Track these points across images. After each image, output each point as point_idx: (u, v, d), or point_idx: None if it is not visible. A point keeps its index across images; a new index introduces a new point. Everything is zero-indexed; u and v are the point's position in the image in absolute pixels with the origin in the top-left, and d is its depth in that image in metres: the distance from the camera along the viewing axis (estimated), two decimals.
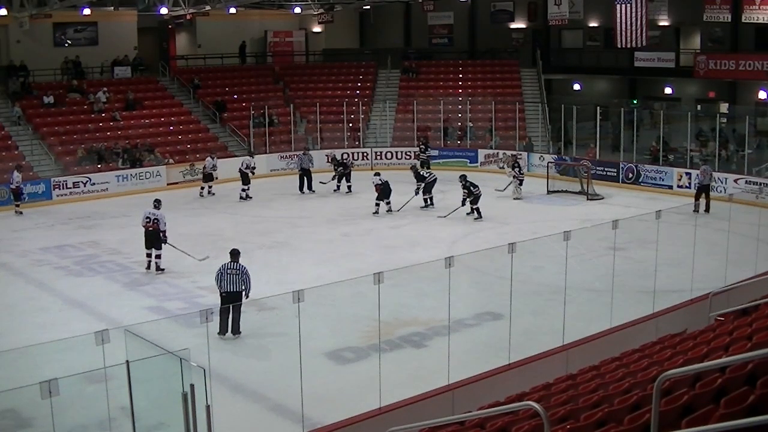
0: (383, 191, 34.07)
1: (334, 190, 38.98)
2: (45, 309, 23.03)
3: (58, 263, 27.90)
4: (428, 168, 39.49)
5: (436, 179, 34.95)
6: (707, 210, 32.13)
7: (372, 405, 14.32)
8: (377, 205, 34.00)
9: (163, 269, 26.05)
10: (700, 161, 37.40)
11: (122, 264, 27.53)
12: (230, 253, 20.11)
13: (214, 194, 38.93)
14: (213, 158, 39.86)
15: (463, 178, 32.84)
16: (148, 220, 25.94)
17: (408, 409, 14.33)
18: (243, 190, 37.86)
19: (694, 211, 30.97)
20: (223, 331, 19.16)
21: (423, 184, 34.67)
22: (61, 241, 30.66)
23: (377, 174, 34.89)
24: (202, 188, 39.17)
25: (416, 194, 34.58)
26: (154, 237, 25.90)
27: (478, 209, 32.31)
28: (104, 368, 11.70)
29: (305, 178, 39.70)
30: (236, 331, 19.42)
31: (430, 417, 12.53)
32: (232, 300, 19.36)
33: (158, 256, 26.12)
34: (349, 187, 39.02)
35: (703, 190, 33.07)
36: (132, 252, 28.76)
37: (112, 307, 22.85)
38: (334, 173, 39.71)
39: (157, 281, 25.53)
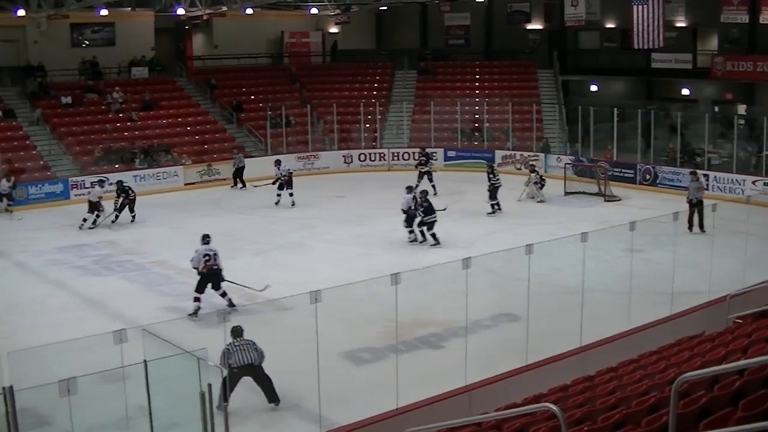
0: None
1: (277, 203, 36.90)
2: (62, 308, 23.14)
3: (75, 262, 28.00)
4: (431, 179, 37.63)
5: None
6: (701, 227, 29.78)
7: (389, 405, 14.33)
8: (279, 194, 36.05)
9: (235, 306, 22.14)
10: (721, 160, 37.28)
11: (139, 264, 27.61)
12: (233, 331, 16.39)
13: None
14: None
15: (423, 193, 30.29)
16: (207, 258, 22.18)
17: (425, 409, 14.33)
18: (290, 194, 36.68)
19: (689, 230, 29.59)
20: (224, 399, 14.16)
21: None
22: (79, 241, 30.76)
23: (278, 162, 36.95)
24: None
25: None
26: (216, 277, 22.30)
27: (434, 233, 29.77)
28: (122, 367, 11.75)
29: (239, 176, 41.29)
30: (275, 399, 16.52)
31: (447, 418, 12.53)
32: (251, 372, 16.52)
33: (224, 294, 22.23)
34: (290, 196, 36.70)
35: (696, 206, 30.26)
36: (149, 252, 28.89)
37: (130, 306, 22.94)
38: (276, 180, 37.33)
39: (173, 281, 25.58)
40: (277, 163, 37.46)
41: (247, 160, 42.33)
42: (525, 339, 16.52)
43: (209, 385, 11.15)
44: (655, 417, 9.53)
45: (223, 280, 22.40)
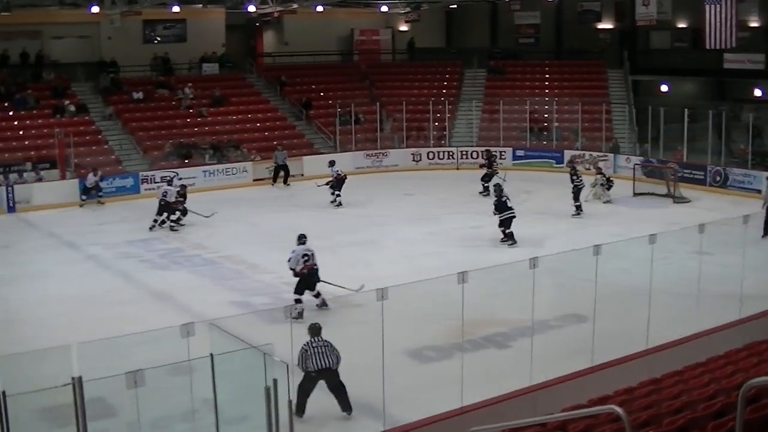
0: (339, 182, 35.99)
1: (332, 202, 36.57)
2: (131, 301, 23.43)
3: (143, 256, 28.34)
4: (488, 180, 37.47)
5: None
6: None
7: (453, 404, 14.32)
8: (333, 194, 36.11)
9: (327, 306, 21.89)
10: None
11: (207, 258, 27.85)
12: (311, 329, 15.99)
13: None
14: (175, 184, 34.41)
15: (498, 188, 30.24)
16: (306, 258, 21.81)
17: (489, 409, 14.31)
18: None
19: (763, 236, 28.25)
20: (300, 411, 15.44)
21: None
22: (148, 235, 31.12)
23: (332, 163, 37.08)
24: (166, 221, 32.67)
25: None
26: (314, 278, 21.91)
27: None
28: (188, 360, 11.85)
29: (281, 172, 41.48)
30: (348, 407, 15.87)
31: (511, 418, 12.49)
32: (327, 377, 15.76)
33: (318, 294, 21.90)
34: (337, 197, 36.51)
35: None
36: (216, 246, 29.10)
37: (197, 300, 23.14)
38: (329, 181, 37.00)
39: (241, 276, 25.78)
40: (331, 163, 37.45)
41: (314, 158, 42.59)
42: (591, 340, 16.45)
43: (275, 380, 11.22)
44: (722, 422, 9.45)
45: (319, 280, 21.88)
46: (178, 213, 32.15)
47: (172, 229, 31.77)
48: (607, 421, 10.76)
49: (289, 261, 21.87)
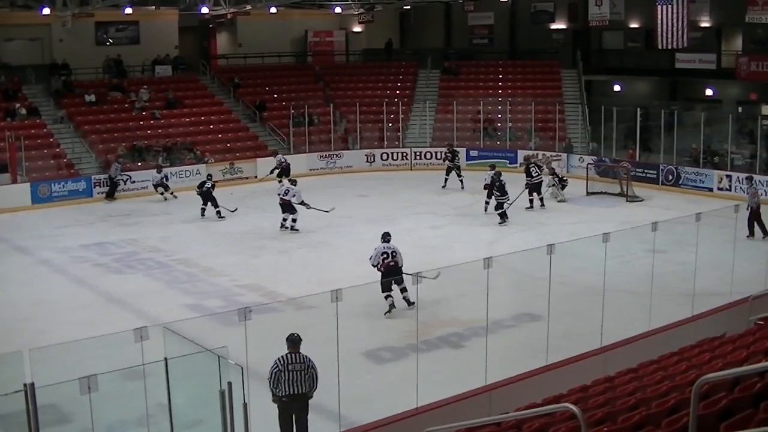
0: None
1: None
2: (85, 306, 23.23)
3: (97, 260, 28.09)
4: (459, 174, 39.16)
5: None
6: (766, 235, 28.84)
7: (409, 405, 14.32)
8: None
9: (412, 303, 21.25)
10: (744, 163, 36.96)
11: (161, 262, 27.67)
12: (290, 341, 14.17)
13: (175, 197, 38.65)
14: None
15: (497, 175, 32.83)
16: (385, 255, 21.88)
17: (445, 409, 14.32)
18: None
19: (748, 236, 28.34)
20: None
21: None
22: (101, 239, 30.89)
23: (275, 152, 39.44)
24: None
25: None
26: (398, 272, 21.62)
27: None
28: (143, 365, 11.77)
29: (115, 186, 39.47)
30: None
31: (466, 417, 12.52)
32: (297, 404, 14.03)
33: (405, 289, 21.62)
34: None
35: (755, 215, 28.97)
36: (171, 250, 28.92)
37: (151, 304, 22.98)
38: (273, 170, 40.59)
39: (195, 279, 25.66)
40: (274, 153, 39.65)
41: (268, 159, 42.41)
42: (546, 339, 16.50)
43: (229, 383, 11.19)
44: (676, 418, 9.50)
45: (399, 274, 21.56)
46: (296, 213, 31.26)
47: (284, 227, 31.59)
48: (562, 419, 10.79)
49: (370, 258, 22.08)
